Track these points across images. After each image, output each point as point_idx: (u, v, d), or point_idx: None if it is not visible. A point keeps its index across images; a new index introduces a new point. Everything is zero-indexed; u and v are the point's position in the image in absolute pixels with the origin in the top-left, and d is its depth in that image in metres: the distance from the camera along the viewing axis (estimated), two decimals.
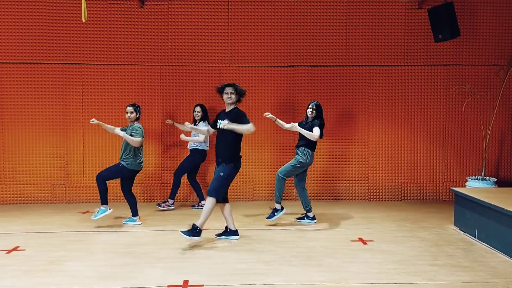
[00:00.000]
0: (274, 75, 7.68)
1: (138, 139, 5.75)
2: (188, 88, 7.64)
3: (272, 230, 5.78)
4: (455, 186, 7.69)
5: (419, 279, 4.08)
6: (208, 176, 7.60)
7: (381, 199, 7.85)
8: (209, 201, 5.05)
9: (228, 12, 7.58)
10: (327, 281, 4.04)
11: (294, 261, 4.57)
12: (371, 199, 7.85)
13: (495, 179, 7.23)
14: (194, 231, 4.98)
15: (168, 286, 3.94)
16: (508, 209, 4.65)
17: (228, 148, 5.11)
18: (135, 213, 6.07)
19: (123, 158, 5.85)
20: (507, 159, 7.90)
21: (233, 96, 5.10)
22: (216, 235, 5.43)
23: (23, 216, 6.59)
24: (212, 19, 7.57)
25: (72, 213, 6.78)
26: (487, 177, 7.28)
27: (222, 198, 5.23)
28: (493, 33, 7.69)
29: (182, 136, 6.77)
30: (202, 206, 6.78)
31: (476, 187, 6.90)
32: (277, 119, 5.97)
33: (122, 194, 6.08)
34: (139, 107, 6.01)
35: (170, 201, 6.98)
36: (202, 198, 6.99)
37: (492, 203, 4.95)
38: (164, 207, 6.93)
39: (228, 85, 5.16)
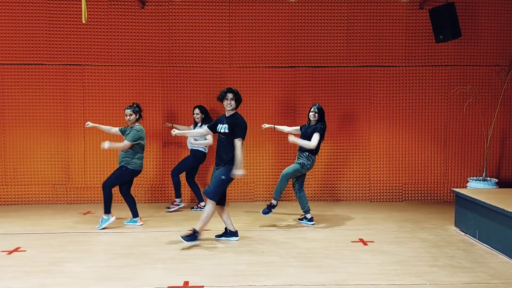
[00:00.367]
0: (275, 76, 7.68)
1: (126, 142, 5.79)
2: (189, 89, 7.64)
3: (273, 231, 5.78)
4: (456, 187, 7.68)
5: (419, 280, 4.08)
6: (208, 177, 7.60)
7: (382, 200, 7.84)
8: (210, 205, 5.07)
9: (229, 13, 7.59)
10: (327, 282, 4.04)
11: (294, 262, 4.57)
12: (372, 200, 7.84)
13: (496, 180, 7.21)
14: (194, 236, 5.03)
15: (168, 287, 3.94)
16: (509, 210, 4.64)
17: (229, 151, 5.11)
18: (135, 214, 6.09)
19: (123, 158, 5.86)
20: (509, 160, 7.88)
21: (233, 102, 5.14)
22: (215, 236, 5.43)
23: (24, 217, 6.60)
24: (213, 20, 7.57)
25: (73, 214, 6.79)
26: (488, 178, 7.27)
27: (220, 200, 5.23)
28: (494, 33, 7.68)
29: (190, 140, 6.77)
30: (202, 208, 6.82)
31: (477, 188, 6.89)
32: (275, 126, 6.03)
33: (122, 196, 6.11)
34: (138, 107, 5.99)
35: (178, 200, 6.97)
36: (201, 199, 6.98)
37: (493, 204, 4.95)
38: (173, 207, 6.92)
39: (230, 90, 5.17)
